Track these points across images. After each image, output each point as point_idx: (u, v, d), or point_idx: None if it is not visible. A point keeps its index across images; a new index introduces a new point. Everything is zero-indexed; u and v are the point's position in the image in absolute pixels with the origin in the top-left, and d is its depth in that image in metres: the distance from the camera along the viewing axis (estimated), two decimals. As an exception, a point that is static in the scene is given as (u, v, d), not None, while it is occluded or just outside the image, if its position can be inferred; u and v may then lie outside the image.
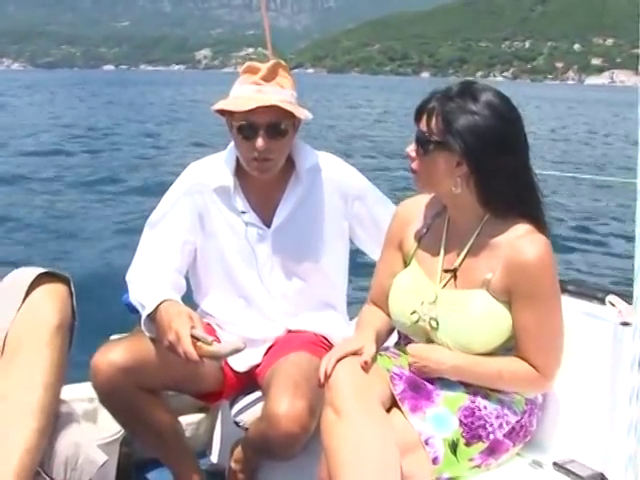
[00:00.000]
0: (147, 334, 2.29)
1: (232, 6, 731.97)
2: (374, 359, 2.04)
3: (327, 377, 1.97)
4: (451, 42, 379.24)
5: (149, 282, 2.38)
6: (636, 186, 1.50)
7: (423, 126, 2.02)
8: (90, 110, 35.27)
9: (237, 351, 2.09)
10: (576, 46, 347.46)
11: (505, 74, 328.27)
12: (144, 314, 2.26)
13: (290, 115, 2.35)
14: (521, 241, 1.99)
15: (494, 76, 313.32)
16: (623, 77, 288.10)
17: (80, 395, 2.58)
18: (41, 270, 1.92)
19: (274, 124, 2.32)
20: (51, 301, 1.87)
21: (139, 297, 2.34)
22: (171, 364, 2.19)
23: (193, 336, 2.08)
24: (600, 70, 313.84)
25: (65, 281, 1.95)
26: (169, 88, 74.52)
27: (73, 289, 1.96)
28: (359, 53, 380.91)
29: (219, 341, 2.26)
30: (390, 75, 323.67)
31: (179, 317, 2.13)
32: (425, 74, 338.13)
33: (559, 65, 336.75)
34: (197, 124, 27.29)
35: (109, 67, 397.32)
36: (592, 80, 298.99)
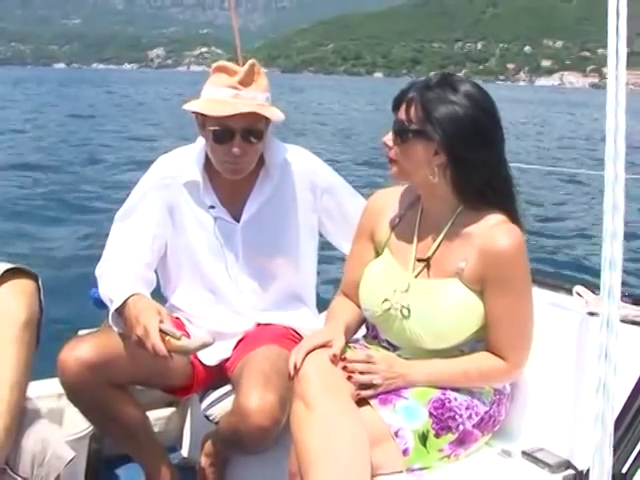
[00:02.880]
0: (115, 329, 2.27)
1: (185, 5, 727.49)
2: (343, 351, 2.04)
3: (297, 370, 1.96)
4: (404, 43, 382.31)
5: (118, 277, 2.36)
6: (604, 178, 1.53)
7: (402, 115, 2.03)
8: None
9: (205, 346, 2.08)
10: (527, 48, 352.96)
11: (458, 74, 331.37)
12: (112, 308, 2.24)
13: (265, 118, 2.34)
14: (494, 230, 2.00)
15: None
16: (572, 79, 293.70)
17: (48, 391, 2.53)
18: (8, 266, 1.89)
19: (250, 129, 2.31)
20: (18, 297, 1.84)
21: (108, 291, 2.31)
22: (139, 359, 2.17)
23: (161, 330, 2.06)
24: (550, 72, 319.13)
25: (33, 277, 1.92)
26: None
27: (41, 285, 1.93)
28: (313, 53, 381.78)
29: (188, 336, 2.24)
30: (344, 75, 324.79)
31: (147, 311, 2.12)
32: (378, 74, 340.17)
33: (510, 67, 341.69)
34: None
35: (60, 65, 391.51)
36: (542, 81, 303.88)
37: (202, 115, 2.34)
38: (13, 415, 1.76)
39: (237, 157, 2.31)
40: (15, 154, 17.31)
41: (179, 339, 2.06)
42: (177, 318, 2.53)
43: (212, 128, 2.31)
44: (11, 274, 1.88)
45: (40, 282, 1.94)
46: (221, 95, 2.30)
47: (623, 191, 1.41)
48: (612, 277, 1.40)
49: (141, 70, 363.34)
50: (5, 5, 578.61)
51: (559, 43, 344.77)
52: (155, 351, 2.04)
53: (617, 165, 1.41)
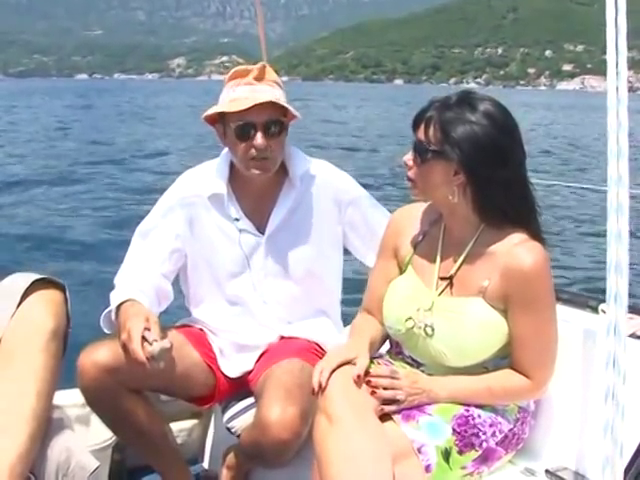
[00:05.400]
0: (105, 330, 2.35)
1: (206, 15, 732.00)
2: (367, 366, 2.04)
3: (321, 388, 1.95)
4: (424, 49, 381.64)
5: (125, 284, 2.40)
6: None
7: (421, 135, 2.02)
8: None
9: (164, 350, 2.07)
10: (547, 52, 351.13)
11: (478, 80, 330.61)
12: (105, 311, 2.32)
13: (284, 113, 2.38)
14: (518, 249, 1.99)
15: (467, 82, 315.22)
16: (594, 82, 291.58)
17: (72, 401, 2.54)
18: (36, 276, 1.91)
19: (271, 122, 2.33)
20: (46, 307, 1.86)
21: (111, 298, 2.36)
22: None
23: (143, 337, 2.10)
24: (571, 76, 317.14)
25: (60, 288, 1.93)
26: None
27: (68, 296, 1.95)
28: (333, 60, 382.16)
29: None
30: (364, 82, 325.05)
31: (135, 317, 2.15)
32: (399, 81, 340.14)
33: (531, 71, 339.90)
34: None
35: (82, 76, 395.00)
36: (563, 86, 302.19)
37: (222, 118, 2.38)
38: (39, 423, 1.78)
39: (261, 151, 2.33)
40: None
41: (151, 345, 2.08)
42: (201, 329, 2.58)
43: (233, 124, 2.34)
44: (40, 284, 1.89)
45: (67, 293, 1.95)
46: (238, 93, 2.34)
47: (627, 191, 1.35)
48: (618, 281, 1.34)
49: (162, 80, 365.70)
50: (27, 17, 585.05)
51: (580, 47, 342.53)
52: (135, 356, 2.07)
53: (620, 164, 1.36)
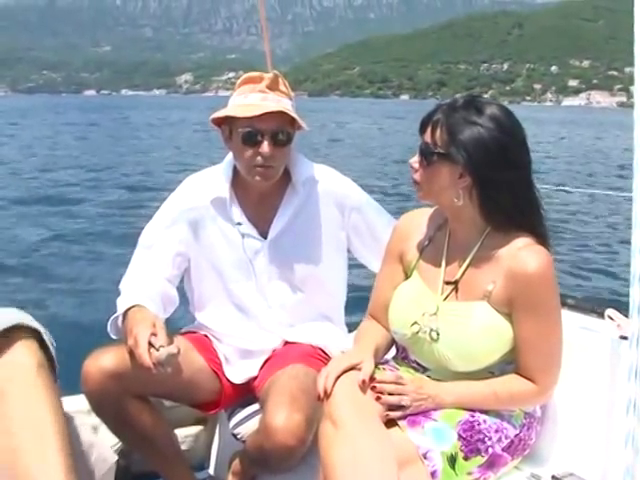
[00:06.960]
0: (112, 336, 2.35)
1: (213, 31, 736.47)
2: (372, 372, 2.03)
3: (327, 394, 1.95)
4: (430, 65, 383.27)
5: (131, 290, 2.41)
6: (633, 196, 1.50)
7: (427, 137, 2.03)
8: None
9: (171, 355, 2.06)
10: (553, 68, 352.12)
11: (484, 96, 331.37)
12: (112, 317, 2.32)
13: (291, 124, 2.39)
14: (523, 252, 1.99)
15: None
16: (599, 98, 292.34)
17: (78, 407, 2.51)
18: (8, 324, 1.82)
19: (278, 131, 2.34)
20: (22, 348, 1.81)
21: (118, 303, 2.37)
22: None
23: (150, 343, 2.09)
24: (577, 91, 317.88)
25: (35, 332, 1.88)
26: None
27: (48, 339, 1.91)
28: (339, 76, 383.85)
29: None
30: (370, 98, 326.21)
31: (142, 323, 2.16)
32: (405, 96, 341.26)
33: (537, 87, 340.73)
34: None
35: (90, 92, 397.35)
36: (569, 101, 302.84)
37: (230, 122, 2.39)
38: (66, 455, 1.72)
39: (266, 159, 2.34)
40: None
41: (158, 350, 2.08)
42: (205, 335, 2.58)
43: (241, 130, 2.34)
44: (13, 331, 1.83)
45: (45, 335, 1.90)
46: (249, 100, 2.35)
47: None
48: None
49: (170, 95, 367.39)
50: (36, 34, 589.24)
51: (586, 62, 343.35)
52: (141, 361, 2.07)
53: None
